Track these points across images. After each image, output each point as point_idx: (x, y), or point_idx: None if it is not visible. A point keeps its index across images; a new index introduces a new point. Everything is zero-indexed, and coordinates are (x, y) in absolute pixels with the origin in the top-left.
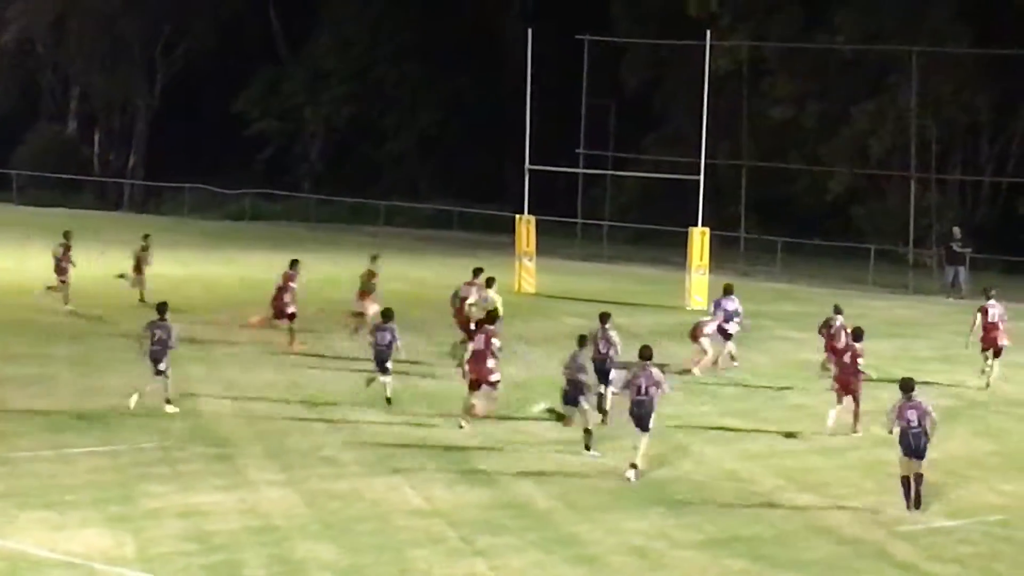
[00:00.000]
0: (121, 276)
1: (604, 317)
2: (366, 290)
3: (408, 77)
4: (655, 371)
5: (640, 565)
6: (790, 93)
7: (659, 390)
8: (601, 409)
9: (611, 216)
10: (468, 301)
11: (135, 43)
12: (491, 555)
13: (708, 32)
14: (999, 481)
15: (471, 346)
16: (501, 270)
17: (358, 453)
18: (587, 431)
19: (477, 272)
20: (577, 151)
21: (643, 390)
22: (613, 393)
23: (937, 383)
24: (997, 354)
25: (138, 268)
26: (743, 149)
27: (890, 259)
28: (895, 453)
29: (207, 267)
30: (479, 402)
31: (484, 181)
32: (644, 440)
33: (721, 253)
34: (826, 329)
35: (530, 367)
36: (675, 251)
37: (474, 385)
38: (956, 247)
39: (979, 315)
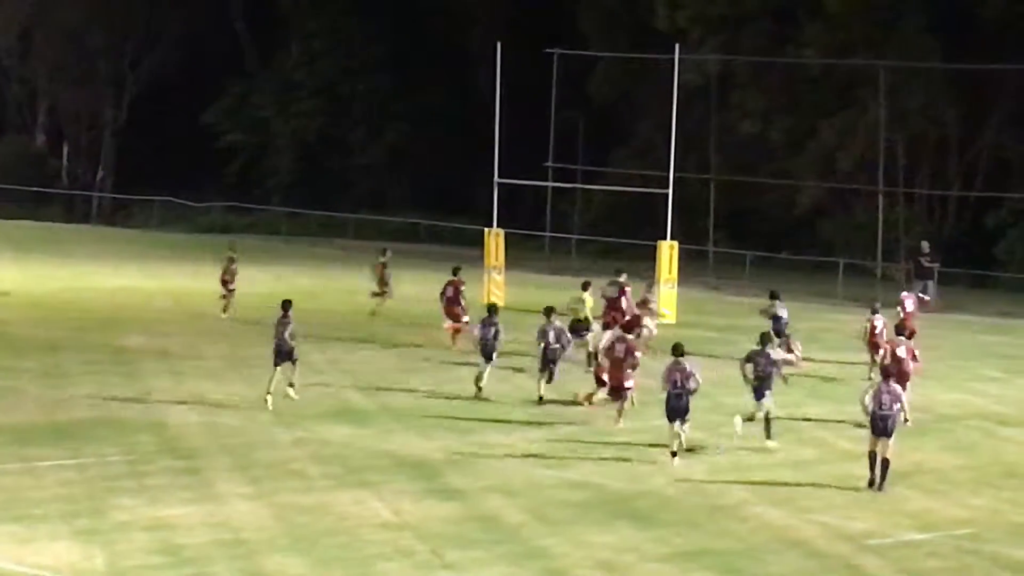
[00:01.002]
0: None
1: (548, 311)
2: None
3: (377, 90)
4: (688, 365)
5: None
6: (759, 107)
7: (691, 383)
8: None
9: (580, 229)
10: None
11: (103, 56)
12: (460, 569)
13: (677, 46)
14: (968, 495)
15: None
16: (470, 283)
17: (326, 467)
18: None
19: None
20: (546, 165)
21: (678, 383)
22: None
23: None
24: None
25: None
26: (712, 163)
27: (858, 273)
28: (862, 467)
29: (176, 280)
30: (601, 394)
31: (453, 194)
32: (686, 427)
33: (690, 267)
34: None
35: (501, 381)
36: (644, 265)
37: (614, 393)
38: (925, 261)
39: (868, 325)
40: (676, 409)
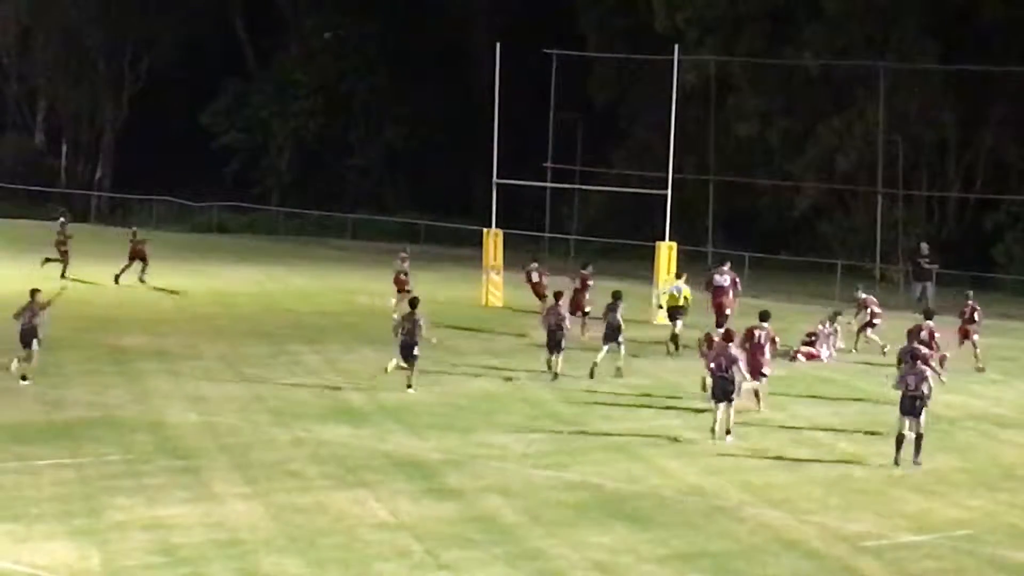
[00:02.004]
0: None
1: (557, 295)
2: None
3: (376, 91)
4: (734, 351)
5: None
6: (757, 108)
7: (737, 367)
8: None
9: (578, 230)
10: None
11: (102, 56)
12: (457, 569)
13: (676, 47)
14: (965, 496)
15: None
16: (468, 283)
17: (323, 467)
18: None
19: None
20: (545, 165)
21: (724, 368)
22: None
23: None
24: None
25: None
26: (710, 164)
27: (857, 274)
28: (859, 469)
29: (174, 279)
30: (749, 385)
31: (452, 195)
32: (731, 410)
33: (688, 267)
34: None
35: (499, 382)
36: (642, 265)
37: (753, 376)
38: (924, 263)
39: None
40: (724, 392)
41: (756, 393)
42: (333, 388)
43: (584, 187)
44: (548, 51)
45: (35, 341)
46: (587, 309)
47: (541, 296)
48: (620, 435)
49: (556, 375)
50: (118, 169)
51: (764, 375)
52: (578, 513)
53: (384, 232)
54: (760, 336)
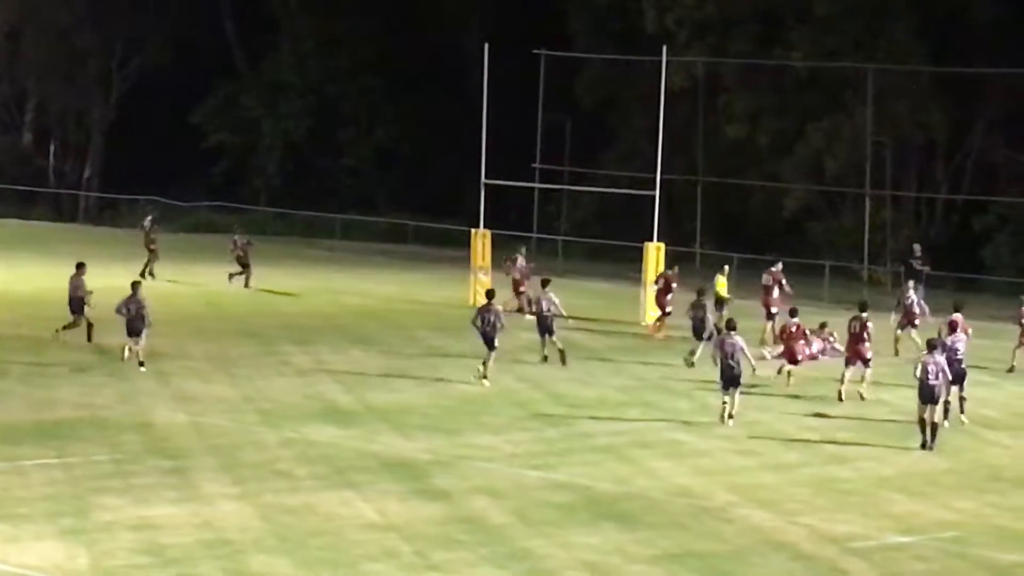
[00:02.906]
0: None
1: (544, 283)
2: None
3: (365, 92)
4: (739, 340)
5: None
6: (746, 110)
7: (743, 354)
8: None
9: (567, 231)
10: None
11: (91, 56)
12: (445, 570)
13: (664, 48)
14: (953, 498)
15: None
16: (456, 284)
17: (312, 467)
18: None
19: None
20: (533, 166)
21: (731, 356)
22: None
23: (890, 401)
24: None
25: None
26: (699, 165)
27: (845, 276)
28: (847, 470)
29: (162, 280)
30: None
31: (440, 195)
32: (736, 395)
33: (677, 269)
34: None
35: (492, 382)
36: (630, 266)
37: (850, 362)
38: (917, 264)
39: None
40: (731, 379)
41: (862, 378)
42: (321, 388)
43: (573, 188)
44: (537, 52)
45: (143, 331)
46: (668, 310)
47: (518, 292)
48: (608, 436)
49: (483, 373)
50: (107, 169)
51: (867, 362)
52: (566, 514)
53: (373, 233)
54: (855, 326)
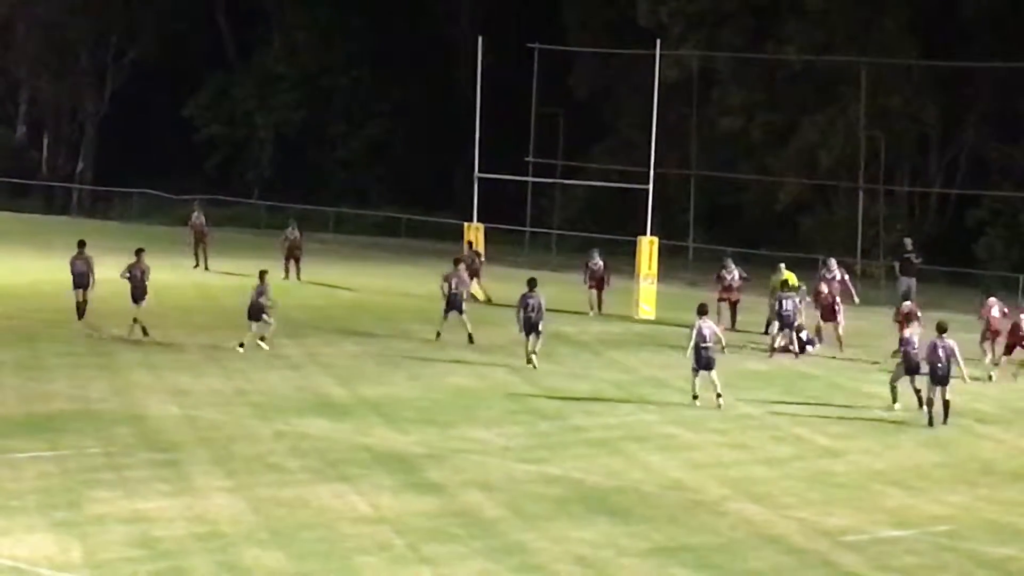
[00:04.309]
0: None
1: (532, 283)
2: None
3: (358, 84)
4: (711, 323)
5: (586, 574)
6: (740, 103)
7: (715, 337)
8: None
9: (560, 224)
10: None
11: (84, 49)
12: (437, 563)
13: (658, 42)
14: (945, 492)
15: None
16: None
17: (305, 460)
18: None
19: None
20: (526, 159)
21: (706, 339)
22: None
23: (882, 395)
24: None
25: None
26: (692, 159)
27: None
28: (839, 464)
29: (156, 273)
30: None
31: (433, 189)
32: (714, 375)
33: (669, 262)
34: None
35: (480, 376)
36: (623, 260)
37: (1009, 349)
38: (913, 259)
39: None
40: (707, 360)
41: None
42: (314, 381)
43: (566, 181)
44: (531, 45)
45: (263, 315)
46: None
47: (475, 274)
48: (601, 430)
49: (438, 334)
50: (99, 162)
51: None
52: (559, 507)
53: (365, 226)
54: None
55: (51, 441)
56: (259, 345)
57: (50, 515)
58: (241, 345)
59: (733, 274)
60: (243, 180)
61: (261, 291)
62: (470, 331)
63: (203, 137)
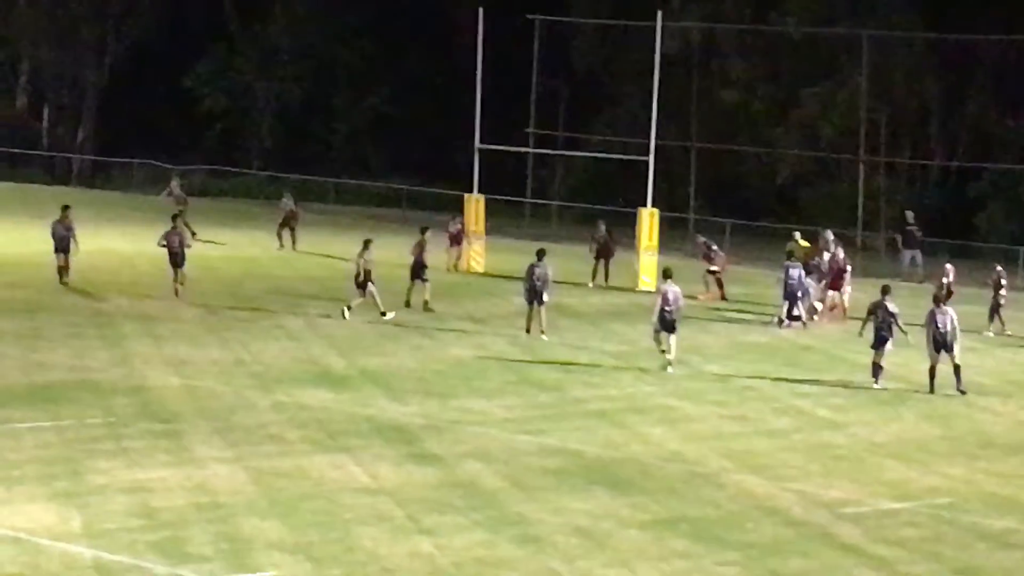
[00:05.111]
0: None
1: (540, 253)
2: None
3: (360, 56)
4: (676, 288)
5: (585, 545)
6: (741, 76)
7: (680, 301)
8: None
9: (561, 196)
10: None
11: (85, 19)
12: (437, 534)
13: (659, 14)
14: (945, 465)
15: None
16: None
17: (305, 431)
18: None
19: None
20: (527, 131)
21: (670, 302)
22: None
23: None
24: None
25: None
26: (693, 131)
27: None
28: (839, 436)
29: (155, 243)
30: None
31: (434, 160)
32: (674, 339)
33: (670, 234)
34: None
35: (480, 347)
36: (624, 232)
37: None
38: (915, 231)
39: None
40: (670, 323)
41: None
42: (314, 352)
43: (567, 153)
44: (532, 17)
45: (369, 283)
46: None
47: (459, 244)
48: (601, 401)
49: (408, 303)
50: (100, 132)
51: None
52: (559, 479)
53: (366, 197)
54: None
55: (51, 411)
56: (382, 313)
57: (50, 485)
58: (348, 308)
59: (714, 248)
60: (244, 151)
61: (365, 258)
62: (427, 298)
63: (204, 108)
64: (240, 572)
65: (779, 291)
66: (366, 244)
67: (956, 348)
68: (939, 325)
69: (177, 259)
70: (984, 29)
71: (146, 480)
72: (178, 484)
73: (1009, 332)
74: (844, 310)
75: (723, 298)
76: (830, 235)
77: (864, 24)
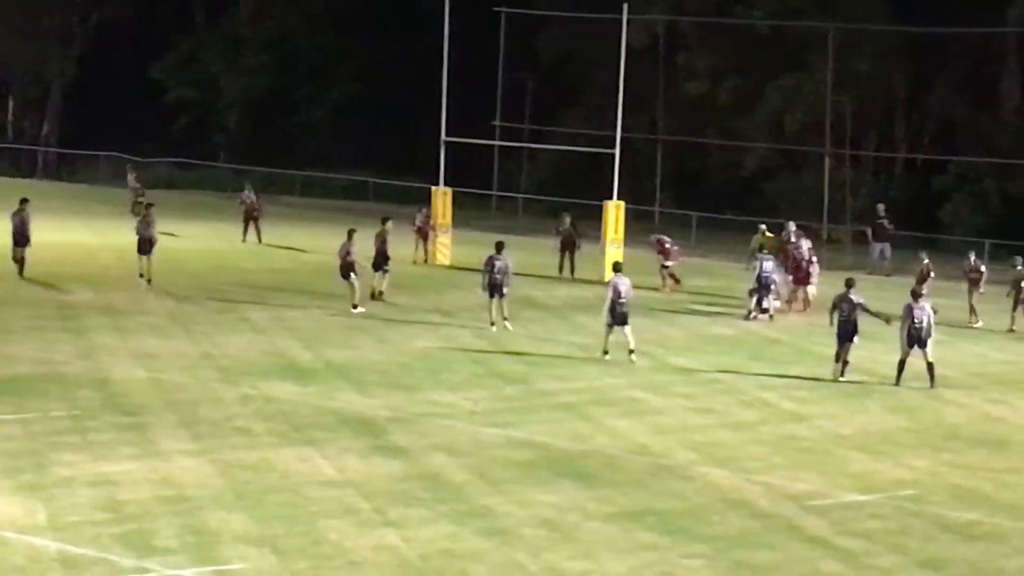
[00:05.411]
0: None
1: (499, 246)
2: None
3: (325, 48)
4: (627, 280)
5: (551, 537)
6: (707, 68)
7: (630, 294)
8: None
9: (527, 189)
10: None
11: (51, 10)
12: (403, 526)
13: (625, 6)
14: (910, 457)
15: None
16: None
17: (271, 424)
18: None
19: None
20: (494, 124)
21: (621, 295)
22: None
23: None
24: None
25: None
26: (659, 123)
27: (804, 234)
28: (805, 428)
29: (121, 236)
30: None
31: (400, 153)
32: (628, 331)
33: (636, 227)
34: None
35: (447, 340)
36: (590, 224)
37: None
38: (886, 224)
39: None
40: (621, 316)
41: None
42: (280, 345)
43: (533, 146)
44: (497, 9)
45: (352, 275)
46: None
47: (425, 237)
48: (567, 394)
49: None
50: (66, 124)
51: None
52: (525, 471)
53: (332, 189)
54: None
55: (16, 404)
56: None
57: (15, 478)
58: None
59: (668, 243)
60: (210, 143)
61: (348, 249)
62: (382, 289)
63: (170, 100)
64: (206, 565)
65: (749, 284)
66: (350, 234)
67: (930, 344)
68: (916, 320)
69: (145, 247)
70: (950, 21)
71: (112, 473)
72: (144, 477)
73: (976, 323)
74: (808, 303)
75: (676, 286)
76: (792, 227)
77: (831, 17)
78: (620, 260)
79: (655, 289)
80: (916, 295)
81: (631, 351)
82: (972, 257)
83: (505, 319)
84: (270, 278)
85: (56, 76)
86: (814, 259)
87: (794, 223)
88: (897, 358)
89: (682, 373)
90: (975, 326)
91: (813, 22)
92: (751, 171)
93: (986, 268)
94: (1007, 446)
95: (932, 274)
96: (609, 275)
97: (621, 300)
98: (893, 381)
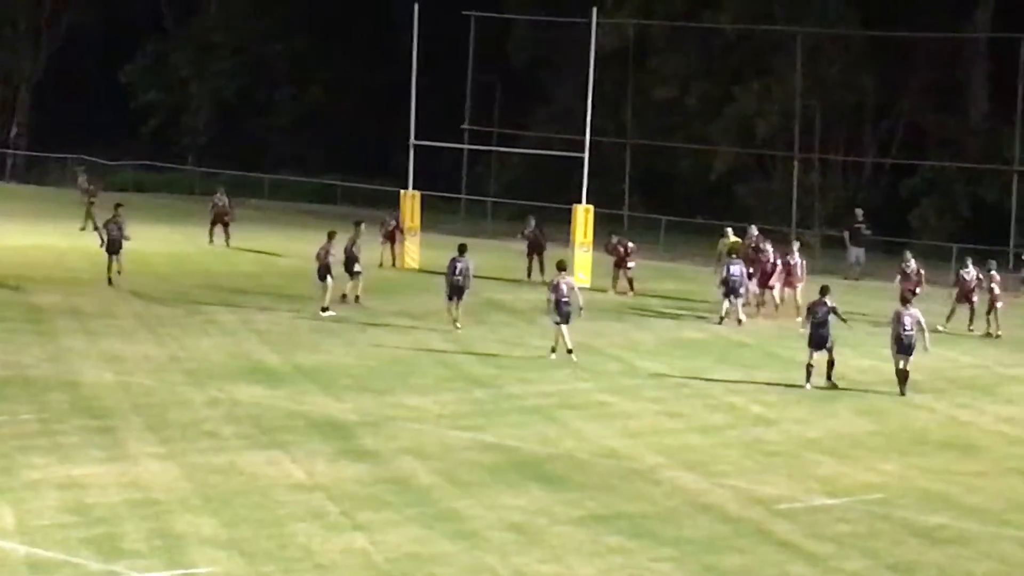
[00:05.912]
0: None
1: (462, 248)
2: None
3: (295, 51)
4: (570, 279)
5: (519, 540)
6: (676, 72)
7: (574, 293)
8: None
9: (496, 192)
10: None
11: (20, 12)
12: (371, 530)
13: (594, 9)
14: (879, 460)
15: None
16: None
17: (239, 427)
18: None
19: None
20: (463, 127)
21: (564, 294)
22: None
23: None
24: None
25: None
26: (628, 127)
27: (773, 239)
28: (773, 432)
29: (89, 239)
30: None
31: (370, 156)
32: (566, 330)
33: (605, 230)
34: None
35: (415, 343)
36: (559, 228)
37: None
38: (863, 229)
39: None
40: (565, 315)
41: None
42: (248, 348)
43: (502, 149)
44: (467, 12)
45: (329, 277)
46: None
47: (393, 240)
48: (536, 397)
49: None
50: (34, 127)
51: None
52: (493, 475)
53: (302, 193)
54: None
55: None
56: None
57: None
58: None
59: (630, 245)
60: (179, 146)
61: (327, 250)
62: (357, 293)
63: (139, 103)
64: (174, 568)
65: (719, 288)
66: (330, 236)
67: (913, 353)
68: (905, 326)
69: (114, 246)
70: (920, 26)
71: (80, 476)
72: (112, 480)
73: (941, 328)
74: (776, 306)
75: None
76: (755, 231)
77: (800, 22)
78: (564, 259)
79: (604, 291)
80: (906, 300)
81: (569, 350)
82: (911, 259)
83: (456, 320)
84: (238, 281)
85: (25, 79)
86: (780, 261)
87: (756, 227)
88: (889, 365)
89: (651, 377)
90: (941, 329)
91: (782, 26)
92: (720, 175)
93: (924, 271)
94: (975, 450)
95: (923, 281)
96: (578, 280)
97: (565, 299)
98: (899, 391)
